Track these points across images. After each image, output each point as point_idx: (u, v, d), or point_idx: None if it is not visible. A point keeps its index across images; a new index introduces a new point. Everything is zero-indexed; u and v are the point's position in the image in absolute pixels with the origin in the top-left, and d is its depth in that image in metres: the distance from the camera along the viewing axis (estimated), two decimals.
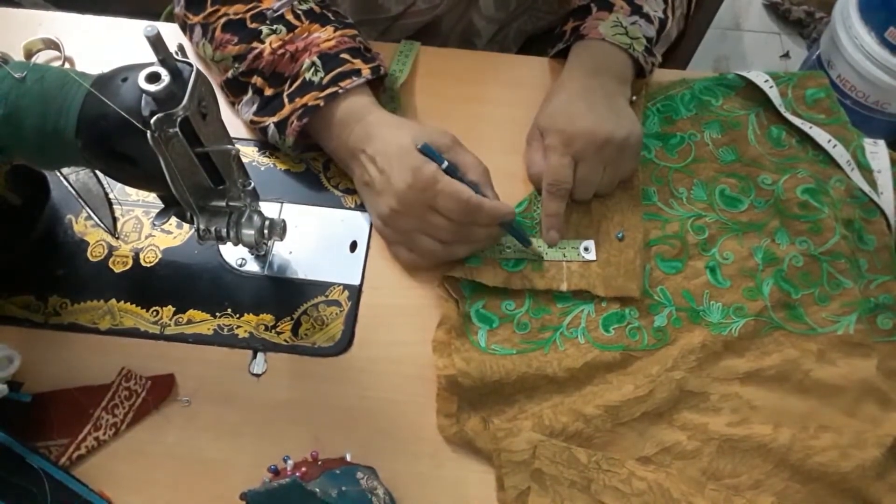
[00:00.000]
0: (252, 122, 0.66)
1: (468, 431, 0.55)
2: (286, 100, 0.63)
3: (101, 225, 0.63)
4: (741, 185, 0.67)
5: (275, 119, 0.63)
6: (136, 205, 0.65)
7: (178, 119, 0.45)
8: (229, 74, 0.65)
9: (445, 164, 0.59)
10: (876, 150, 0.70)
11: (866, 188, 0.67)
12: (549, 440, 0.54)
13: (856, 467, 0.53)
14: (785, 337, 0.60)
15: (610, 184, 0.64)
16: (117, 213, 0.64)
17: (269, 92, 0.64)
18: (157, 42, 0.43)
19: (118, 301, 0.60)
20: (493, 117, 0.71)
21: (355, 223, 0.65)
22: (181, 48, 0.47)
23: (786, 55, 1.86)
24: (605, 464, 0.53)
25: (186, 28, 0.69)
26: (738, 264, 0.63)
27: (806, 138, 0.69)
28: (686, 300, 0.61)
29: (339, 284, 0.61)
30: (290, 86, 0.63)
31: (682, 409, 0.57)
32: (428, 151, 0.59)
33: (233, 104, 0.68)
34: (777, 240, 0.64)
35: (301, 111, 0.61)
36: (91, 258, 0.62)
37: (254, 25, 0.64)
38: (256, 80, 0.64)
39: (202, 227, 0.53)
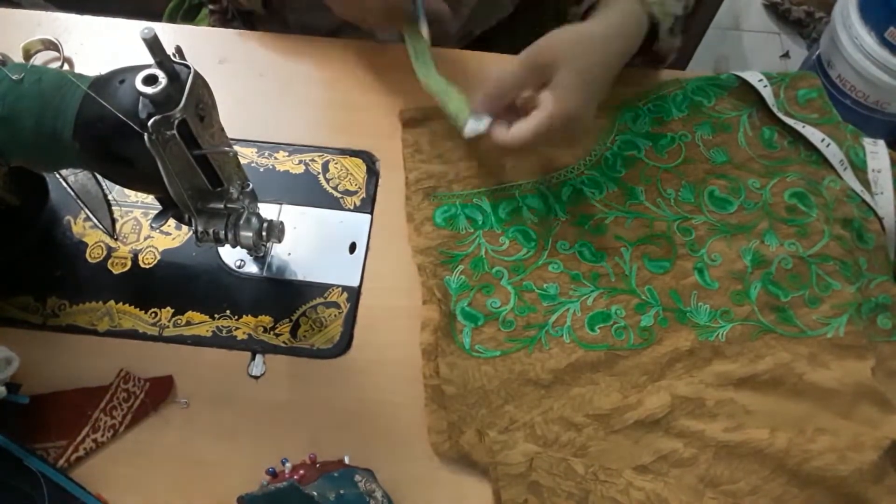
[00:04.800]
0: None
1: (464, 445, 0.54)
2: None
3: (100, 226, 0.63)
4: (731, 187, 0.66)
5: None
6: (135, 206, 0.65)
7: (176, 121, 0.45)
8: None
9: None
10: (876, 150, 0.70)
11: (858, 188, 0.66)
12: (545, 452, 0.54)
13: (854, 471, 0.53)
14: (776, 340, 0.60)
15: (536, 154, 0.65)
16: (116, 215, 0.64)
17: None
18: (154, 44, 0.43)
19: (117, 302, 0.60)
20: None
21: (354, 224, 0.65)
22: (179, 50, 0.47)
23: (786, 55, 1.86)
24: (602, 474, 0.53)
25: None
26: (727, 266, 0.62)
27: (798, 139, 0.69)
28: (673, 300, 0.61)
29: (338, 286, 0.61)
30: None
31: (678, 416, 0.56)
32: None
33: None
34: (766, 241, 0.64)
35: None
36: (90, 259, 0.62)
37: None
38: None
39: (200, 228, 0.53)
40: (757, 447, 0.55)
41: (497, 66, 0.73)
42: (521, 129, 0.58)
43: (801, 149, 0.69)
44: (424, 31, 0.64)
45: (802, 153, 0.69)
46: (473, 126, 0.60)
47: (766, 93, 0.70)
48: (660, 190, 0.66)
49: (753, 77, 0.71)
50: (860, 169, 0.68)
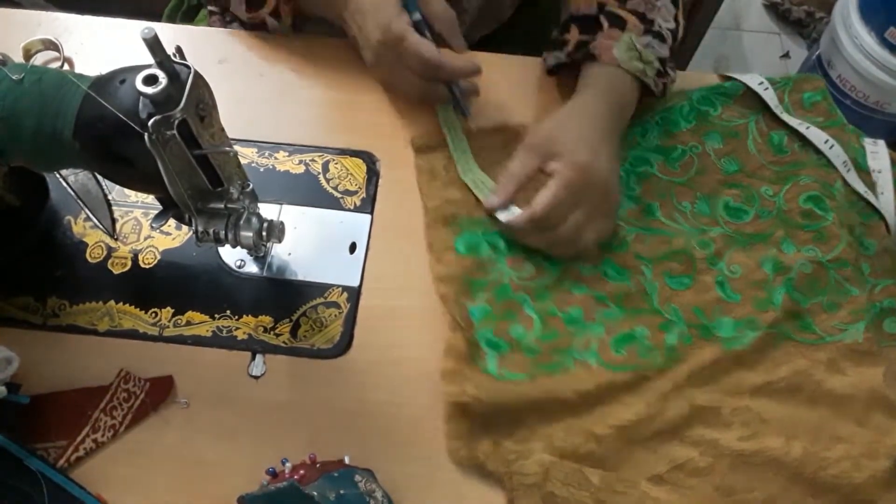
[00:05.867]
0: (249, 18, 0.72)
1: (479, 454, 0.54)
2: None
3: (100, 226, 0.63)
4: (745, 195, 0.66)
5: (267, 11, 0.70)
6: (135, 206, 0.65)
7: (176, 121, 0.45)
8: None
9: (417, 16, 0.64)
10: (876, 150, 0.70)
11: (862, 189, 0.66)
12: (560, 462, 0.53)
13: (868, 478, 0.53)
14: (794, 347, 0.59)
15: (576, 229, 0.60)
16: (116, 215, 0.64)
17: None
18: (154, 44, 0.43)
19: (117, 302, 0.60)
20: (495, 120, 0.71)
21: (354, 224, 0.65)
22: (179, 50, 0.47)
23: (786, 55, 1.86)
24: (618, 485, 0.52)
25: None
26: (747, 277, 0.62)
27: (808, 142, 0.69)
28: (697, 316, 0.60)
29: (338, 286, 0.61)
30: None
31: (693, 424, 0.56)
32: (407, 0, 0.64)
33: (226, 9, 0.75)
34: (784, 249, 0.63)
35: None
36: (90, 259, 0.62)
37: None
38: None
39: (200, 228, 0.53)
40: (773, 456, 0.54)
41: (503, 65, 0.74)
42: (543, 194, 0.60)
43: (811, 152, 0.68)
44: (472, 123, 0.68)
45: (813, 156, 0.68)
46: (504, 215, 0.62)
47: (768, 95, 0.70)
48: (675, 204, 0.65)
49: (753, 80, 0.71)
50: (865, 171, 0.68)
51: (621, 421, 0.55)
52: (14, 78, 0.48)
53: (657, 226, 0.64)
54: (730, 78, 0.73)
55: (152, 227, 0.61)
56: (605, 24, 0.66)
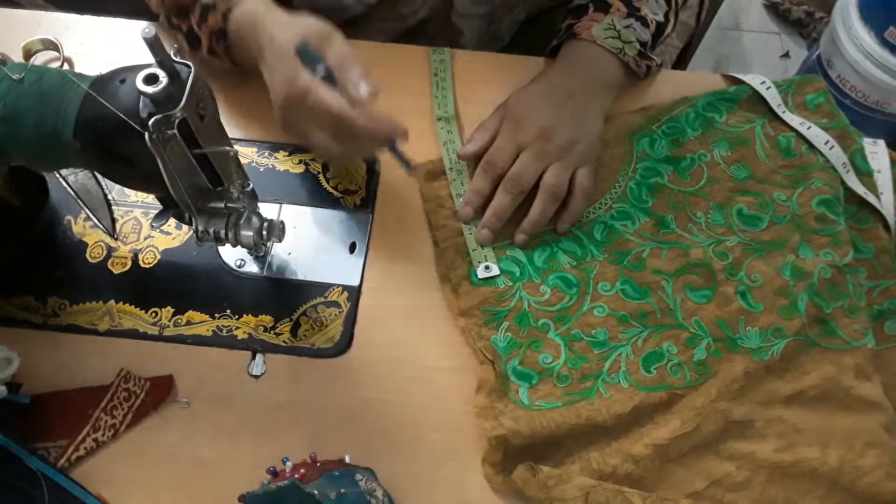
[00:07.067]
0: (200, 60, 0.65)
1: (516, 480, 0.53)
2: (197, 29, 0.64)
3: (100, 226, 0.63)
4: (758, 202, 0.65)
5: (204, 53, 0.66)
6: (135, 206, 0.65)
7: (176, 121, 0.45)
8: (161, 20, 0.69)
9: (322, 68, 0.55)
10: (876, 150, 0.70)
11: (861, 191, 0.66)
12: (600, 484, 0.52)
13: None
14: (821, 354, 0.59)
15: (556, 182, 0.62)
16: (116, 214, 0.64)
17: (184, 27, 0.66)
18: (154, 44, 0.43)
19: (117, 302, 0.60)
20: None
21: (354, 224, 0.65)
22: (179, 49, 0.47)
23: (786, 55, 1.86)
24: None
25: None
26: (768, 285, 0.61)
27: (815, 144, 0.68)
28: (721, 329, 0.60)
29: (339, 285, 0.61)
30: (195, 14, 0.64)
31: (728, 438, 0.55)
32: (304, 55, 0.55)
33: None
34: (801, 254, 0.63)
35: (214, 38, 0.63)
36: (90, 259, 0.62)
37: None
38: (174, 20, 0.67)
39: (201, 228, 0.53)
40: (810, 466, 0.54)
41: (504, 65, 0.74)
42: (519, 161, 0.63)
43: (818, 154, 0.68)
44: (417, 174, 0.65)
45: (820, 158, 0.68)
46: (483, 273, 0.62)
47: (770, 94, 0.70)
48: (689, 215, 0.65)
49: (755, 80, 0.71)
50: (865, 174, 0.68)
51: (657, 440, 0.54)
52: (14, 78, 0.48)
53: (673, 238, 0.64)
54: (731, 78, 0.73)
55: (152, 226, 0.61)
56: (591, 9, 0.70)
